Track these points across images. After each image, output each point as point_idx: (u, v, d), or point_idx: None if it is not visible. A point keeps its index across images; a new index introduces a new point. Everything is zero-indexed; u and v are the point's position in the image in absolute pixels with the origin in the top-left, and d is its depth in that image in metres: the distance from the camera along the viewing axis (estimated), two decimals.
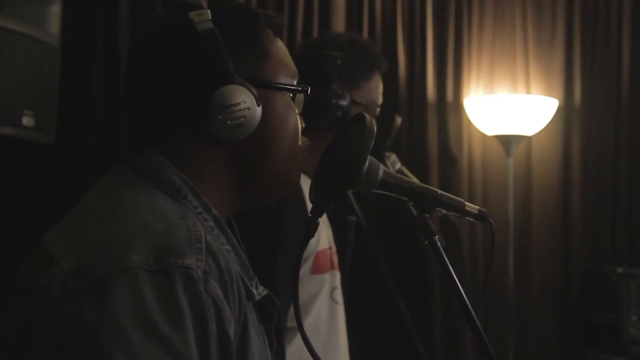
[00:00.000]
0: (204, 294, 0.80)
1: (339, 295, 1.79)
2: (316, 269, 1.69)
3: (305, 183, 1.71)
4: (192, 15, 0.92)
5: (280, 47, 1.02)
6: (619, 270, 3.01)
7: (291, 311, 1.60)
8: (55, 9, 2.29)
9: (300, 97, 1.03)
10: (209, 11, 0.92)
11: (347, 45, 1.81)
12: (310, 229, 0.98)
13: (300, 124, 1.03)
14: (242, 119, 0.91)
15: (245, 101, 0.91)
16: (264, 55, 0.98)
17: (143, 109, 0.97)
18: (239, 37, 0.96)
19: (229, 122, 0.91)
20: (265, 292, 0.97)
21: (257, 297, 0.95)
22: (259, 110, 0.93)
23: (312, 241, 1.65)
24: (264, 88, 0.96)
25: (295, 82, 1.03)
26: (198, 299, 0.79)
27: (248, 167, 0.97)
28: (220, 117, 0.91)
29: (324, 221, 1.79)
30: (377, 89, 1.84)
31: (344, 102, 1.72)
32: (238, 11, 0.99)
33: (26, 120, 2.14)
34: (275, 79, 0.99)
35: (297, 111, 1.02)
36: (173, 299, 0.77)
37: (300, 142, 1.02)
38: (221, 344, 0.82)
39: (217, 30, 0.91)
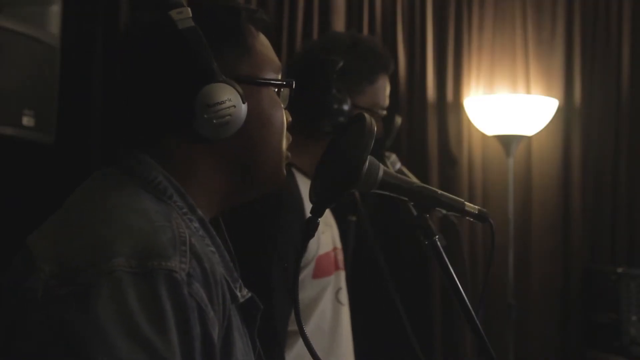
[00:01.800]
0: (188, 296, 0.79)
1: (343, 296, 1.78)
2: (318, 273, 1.68)
3: (305, 184, 1.70)
4: (172, 13, 0.91)
5: (263, 42, 1.01)
6: (619, 270, 3.01)
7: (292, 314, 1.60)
8: (55, 9, 2.29)
9: (285, 91, 1.02)
10: (189, 9, 0.92)
11: (350, 48, 1.78)
12: (310, 229, 0.98)
13: (286, 119, 1.02)
14: (228, 117, 0.91)
15: (230, 99, 0.91)
16: (247, 51, 0.97)
17: (128, 110, 0.97)
18: (221, 34, 0.95)
19: (215, 121, 0.91)
20: (249, 294, 0.96)
21: (241, 300, 0.94)
22: (244, 107, 0.93)
23: (312, 246, 1.64)
24: (249, 84, 0.95)
25: (279, 77, 1.02)
26: (182, 302, 0.78)
27: (236, 163, 0.97)
28: (205, 116, 0.90)
29: (327, 222, 1.78)
30: (382, 92, 1.81)
31: (345, 107, 1.69)
32: (219, 8, 0.98)
33: (26, 120, 2.14)
34: (260, 75, 0.98)
35: (283, 106, 1.02)
36: (156, 302, 0.77)
37: (285, 138, 1.02)
38: (205, 347, 0.81)
39: (198, 27, 0.91)
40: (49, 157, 2.47)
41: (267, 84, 0.99)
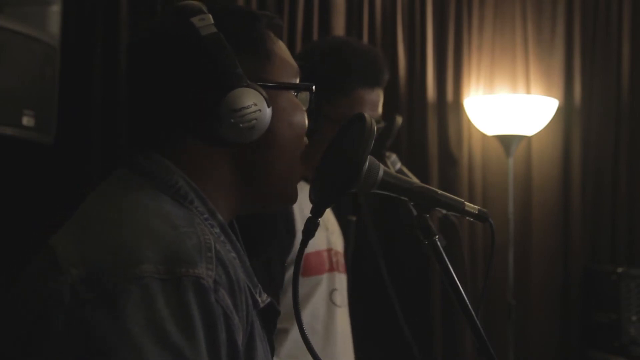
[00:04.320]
0: (215, 303, 0.80)
1: (339, 298, 1.76)
2: (306, 271, 1.67)
3: (300, 188, 1.70)
4: (195, 20, 0.92)
5: (282, 47, 1.02)
6: (619, 270, 3.02)
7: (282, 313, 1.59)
8: (55, 9, 2.29)
9: (304, 94, 1.03)
10: (210, 16, 0.93)
11: (325, 56, 1.71)
12: (311, 230, 0.98)
13: (306, 122, 1.03)
14: (254, 121, 0.91)
15: (256, 103, 0.91)
16: (267, 56, 0.98)
17: (149, 114, 0.97)
18: (242, 40, 0.95)
19: (241, 125, 0.91)
20: (269, 299, 0.97)
21: (262, 305, 0.94)
22: (269, 111, 0.93)
23: (298, 244, 1.64)
24: (270, 88, 0.96)
25: (298, 80, 1.03)
26: (209, 309, 0.79)
27: (253, 167, 0.97)
28: (232, 120, 0.91)
29: (320, 224, 1.77)
30: (358, 105, 1.70)
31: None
32: (239, 14, 0.99)
33: (26, 120, 2.14)
34: (280, 79, 0.98)
35: (304, 108, 1.02)
36: (185, 309, 0.77)
37: (303, 142, 1.02)
38: (230, 353, 0.81)
39: (220, 33, 0.91)
40: (48, 157, 2.47)
41: (289, 87, 0.99)
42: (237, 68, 0.91)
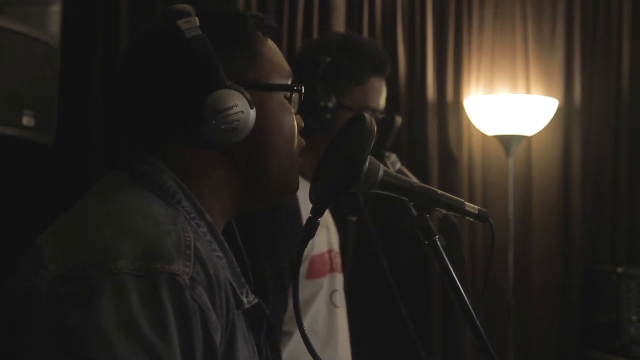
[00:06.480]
0: (190, 300, 0.80)
1: (339, 299, 1.76)
2: (311, 274, 1.67)
3: (301, 186, 1.70)
4: (180, 23, 0.93)
5: (272, 48, 1.02)
6: (619, 270, 3.02)
7: (286, 315, 1.59)
8: (55, 9, 2.29)
9: (296, 96, 1.03)
10: (196, 18, 0.93)
11: (339, 47, 1.76)
12: (310, 230, 0.98)
13: (297, 124, 1.03)
14: (236, 123, 0.92)
15: (237, 105, 0.92)
16: (254, 57, 0.98)
17: (138, 115, 0.98)
18: (228, 41, 0.96)
19: (223, 127, 0.91)
20: (256, 300, 0.97)
21: (247, 305, 0.94)
22: (252, 112, 0.94)
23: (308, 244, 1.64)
24: (257, 90, 0.96)
25: (289, 82, 1.02)
26: (183, 305, 0.79)
27: (245, 169, 0.97)
28: (213, 121, 0.91)
29: (322, 223, 1.77)
30: (372, 94, 1.78)
31: (330, 105, 1.68)
32: (226, 15, 0.99)
33: (26, 120, 2.14)
34: (268, 80, 0.99)
35: (293, 111, 1.02)
36: (158, 305, 0.77)
37: (296, 143, 1.02)
38: (206, 350, 0.82)
39: (206, 35, 0.92)
40: (48, 157, 2.48)
41: (275, 88, 0.99)
42: (219, 70, 0.92)
